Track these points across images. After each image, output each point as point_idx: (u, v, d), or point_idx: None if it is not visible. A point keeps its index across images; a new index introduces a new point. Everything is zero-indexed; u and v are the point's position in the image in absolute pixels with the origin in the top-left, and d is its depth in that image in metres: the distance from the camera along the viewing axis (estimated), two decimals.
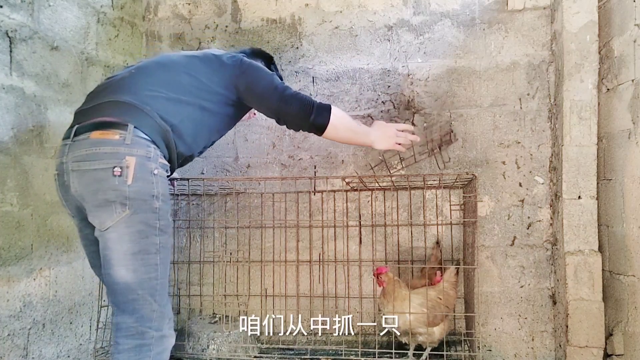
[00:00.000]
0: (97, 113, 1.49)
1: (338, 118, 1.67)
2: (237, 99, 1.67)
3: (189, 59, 1.66)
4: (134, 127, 1.45)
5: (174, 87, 1.56)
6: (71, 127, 1.50)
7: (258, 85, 1.65)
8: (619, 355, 2.03)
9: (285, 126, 1.71)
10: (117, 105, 1.49)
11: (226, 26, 2.59)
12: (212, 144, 1.76)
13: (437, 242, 2.36)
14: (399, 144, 1.80)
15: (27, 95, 1.90)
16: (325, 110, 1.66)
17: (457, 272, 2.19)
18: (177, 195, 2.46)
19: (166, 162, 1.54)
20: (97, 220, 1.45)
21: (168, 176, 1.59)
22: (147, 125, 1.48)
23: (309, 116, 1.64)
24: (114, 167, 1.41)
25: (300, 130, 1.70)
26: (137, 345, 1.44)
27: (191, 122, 1.58)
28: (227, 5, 2.59)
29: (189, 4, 2.62)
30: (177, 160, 1.60)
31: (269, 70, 1.72)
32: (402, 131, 1.81)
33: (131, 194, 1.41)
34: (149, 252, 1.44)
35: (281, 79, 1.83)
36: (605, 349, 2.06)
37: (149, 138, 1.47)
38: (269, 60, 1.90)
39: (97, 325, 2.12)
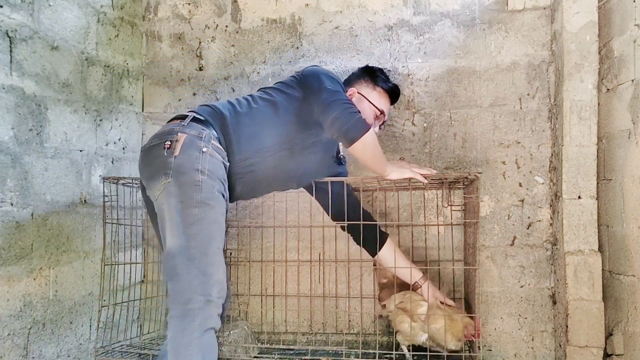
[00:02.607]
0: None
1: (370, 139, 1.75)
2: (303, 96, 1.81)
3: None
4: (195, 115, 1.69)
5: (247, 98, 1.84)
6: None
7: (313, 82, 1.80)
8: (618, 355, 2.03)
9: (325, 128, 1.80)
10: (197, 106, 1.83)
11: (226, 26, 2.59)
12: (275, 148, 1.79)
13: (374, 264, 2.28)
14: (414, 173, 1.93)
15: (27, 95, 1.90)
16: (362, 126, 1.73)
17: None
18: None
19: (220, 147, 1.66)
20: (151, 193, 1.63)
21: (230, 174, 1.71)
22: (204, 111, 1.73)
23: (345, 124, 1.71)
24: (165, 141, 1.60)
25: (333, 136, 1.78)
26: (183, 312, 1.50)
27: (258, 114, 1.77)
28: (227, 5, 2.59)
29: (189, 4, 2.62)
30: (236, 151, 1.71)
31: (329, 73, 1.84)
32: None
33: (175, 165, 1.56)
34: (188, 222, 1.53)
35: (391, 89, 2.07)
36: (605, 349, 2.07)
37: (205, 123, 1.67)
38: (373, 74, 2.06)
39: (97, 325, 2.12)
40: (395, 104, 2.43)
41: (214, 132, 1.67)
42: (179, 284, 1.51)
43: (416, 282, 2.07)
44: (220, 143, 1.66)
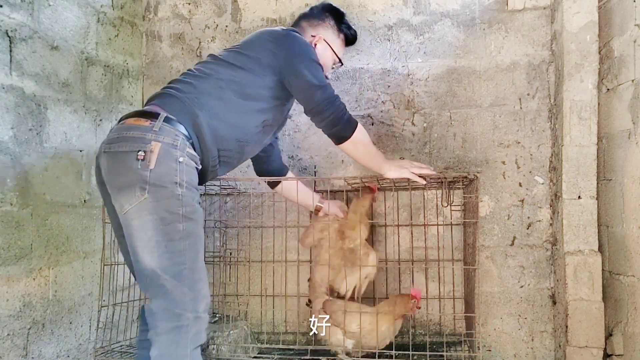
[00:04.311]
0: (146, 103, 1.67)
1: (360, 137, 1.79)
2: (279, 80, 1.73)
3: (234, 48, 1.78)
4: (166, 115, 1.53)
5: (214, 77, 1.67)
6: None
7: (299, 76, 1.72)
8: (618, 355, 2.03)
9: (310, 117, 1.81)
10: (158, 95, 1.65)
11: (226, 26, 2.59)
12: (250, 136, 1.75)
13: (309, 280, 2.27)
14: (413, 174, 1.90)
15: (27, 95, 1.90)
16: (352, 125, 1.78)
17: None
18: None
19: (195, 153, 1.56)
20: (118, 204, 1.49)
21: (202, 171, 1.62)
22: (172, 107, 1.57)
23: (335, 125, 1.76)
24: (139, 151, 1.45)
25: (323, 131, 1.81)
26: (175, 327, 1.45)
27: (232, 108, 1.66)
28: (227, 5, 2.59)
29: (189, 4, 2.62)
30: (211, 148, 1.62)
31: (312, 55, 1.77)
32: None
33: (151, 179, 1.44)
34: (173, 238, 1.45)
35: (354, 38, 2.03)
36: (605, 349, 2.07)
37: (176, 124, 1.53)
38: (338, 18, 1.99)
39: (97, 325, 2.12)
40: (395, 104, 2.42)
41: (186, 132, 1.55)
42: (168, 300, 1.45)
43: (317, 205, 2.16)
44: (193, 146, 1.56)
